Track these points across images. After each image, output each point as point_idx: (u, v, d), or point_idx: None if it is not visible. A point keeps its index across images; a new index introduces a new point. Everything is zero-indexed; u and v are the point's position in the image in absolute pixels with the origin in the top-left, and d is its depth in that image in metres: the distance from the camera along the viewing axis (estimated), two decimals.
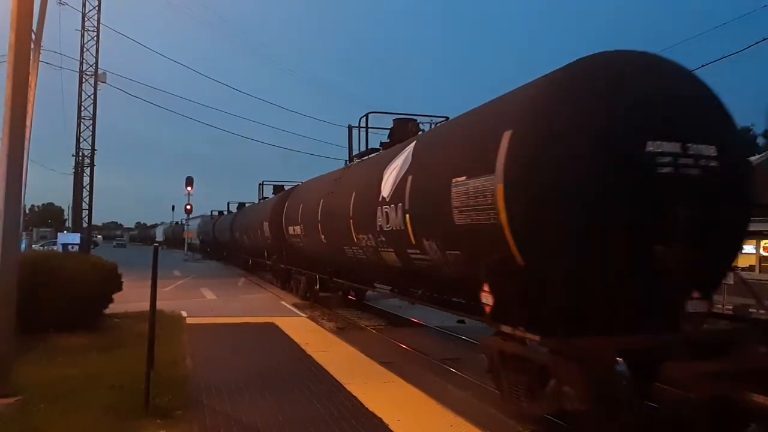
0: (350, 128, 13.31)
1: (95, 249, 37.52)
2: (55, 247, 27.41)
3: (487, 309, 5.86)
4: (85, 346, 8.60)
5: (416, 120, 11.56)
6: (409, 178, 8.18)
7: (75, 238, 26.17)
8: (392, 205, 8.58)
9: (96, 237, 64.19)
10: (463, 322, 10.39)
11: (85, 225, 30.56)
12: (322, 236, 13.16)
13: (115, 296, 11.04)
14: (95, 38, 29.41)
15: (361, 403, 6.35)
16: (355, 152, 13.53)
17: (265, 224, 21.12)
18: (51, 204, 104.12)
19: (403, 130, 11.22)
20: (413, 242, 7.98)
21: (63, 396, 6.04)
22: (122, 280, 11.42)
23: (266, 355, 8.98)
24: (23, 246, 18.51)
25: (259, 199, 29.28)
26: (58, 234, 34.75)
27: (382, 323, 14.17)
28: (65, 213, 73.66)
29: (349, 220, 10.80)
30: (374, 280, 12.91)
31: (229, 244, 35.46)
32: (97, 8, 29.47)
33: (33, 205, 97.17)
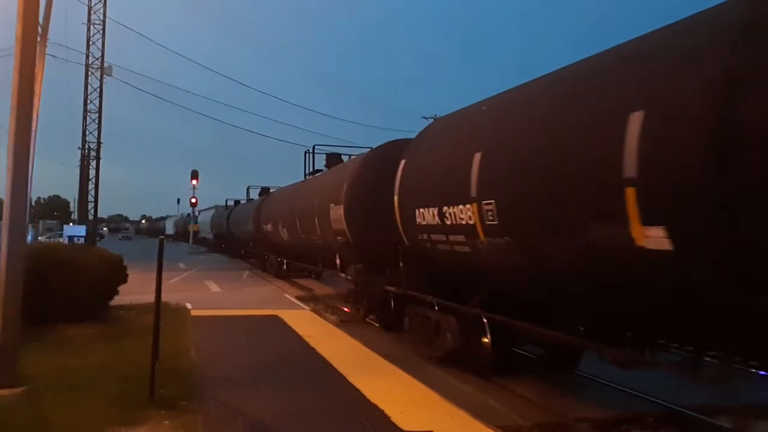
0: None
1: (101, 242, 37.72)
2: (61, 239, 27.55)
3: None
4: (90, 337, 8.68)
5: None
6: None
7: (81, 230, 26.29)
8: None
9: (102, 229, 64.49)
10: None
11: (91, 217, 30.70)
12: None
13: (120, 288, 11.15)
14: (101, 31, 29.46)
15: (364, 395, 6.39)
16: None
17: (335, 210, 12.61)
18: (57, 196, 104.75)
19: None
20: None
21: (69, 386, 6.11)
22: (127, 272, 11.54)
23: (270, 347, 9.03)
24: (29, 238, 18.62)
25: (306, 175, 20.23)
26: (64, 226, 34.90)
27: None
28: (71, 205, 74.04)
29: None
30: None
31: (254, 240, 27.21)
32: (103, 1, 29.52)
33: (39, 198, 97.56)
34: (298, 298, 15.84)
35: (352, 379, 7.04)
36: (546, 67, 7.23)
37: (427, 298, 8.83)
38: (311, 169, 19.79)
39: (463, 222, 7.15)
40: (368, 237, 11.21)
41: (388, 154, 10.96)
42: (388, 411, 5.84)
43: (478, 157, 6.91)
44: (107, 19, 29.59)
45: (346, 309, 13.91)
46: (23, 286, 6.54)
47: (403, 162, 9.43)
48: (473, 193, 6.87)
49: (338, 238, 12.57)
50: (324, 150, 18.02)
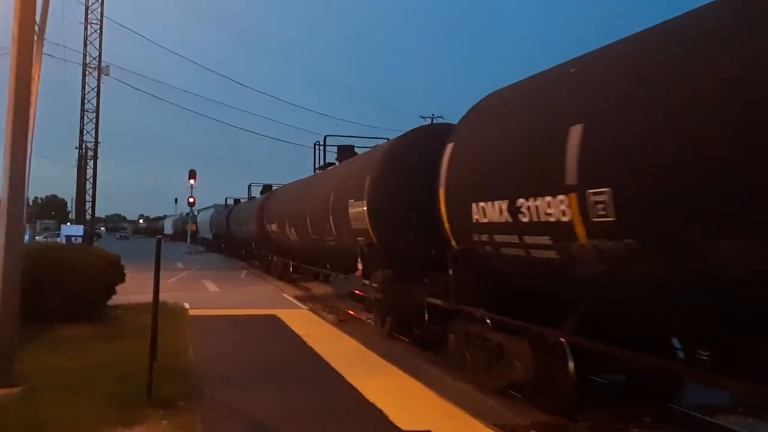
0: None
1: (98, 241, 37.67)
2: (58, 239, 27.52)
3: None
4: (88, 337, 8.67)
5: None
6: None
7: (78, 230, 26.30)
8: None
9: (99, 229, 64.40)
10: None
11: (88, 217, 30.68)
12: None
13: (118, 288, 11.13)
14: (99, 31, 29.43)
15: (362, 395, 6.39)
16: None
17: (355, 207, 11.05)
18: (54, 196, 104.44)
19: None
20: None
21: (66, 386, 6.09)
22: (125, 272, 11.53)
23: (268, 347, 9.03)
24: (27, 238, 18.58)
25: (316, 169, 18.36)
26: (62, 226, 34.85)
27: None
28: (69, 205, 73.90)
29: None
30: None
31: (256, 240, 25.62)
32: (100, 1, 29.49)
33: (36, 197, 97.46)
34: (296, 297, 15.83)
35: (350, 379, 7.04)
36: (546, 67, 6.88)
37: (477, 313, 7.16)
38: (321, 163, 17.90)
39: (552, 218, 5.39)
40: (397, 237, 9.76)
41: (420, 140, 9.79)
42: (386, 410, 5.83)
43: (577, 131, 5.10)
44: (104, 19, 29.59)
45: (352, 312, 13.56)
46: (20, 286, 6.52)
47: (450, 146, 7.71)
48: (570, 179, 5.10)
49: (359, 238, 10.90)
50: (336, 142, 16.20)
